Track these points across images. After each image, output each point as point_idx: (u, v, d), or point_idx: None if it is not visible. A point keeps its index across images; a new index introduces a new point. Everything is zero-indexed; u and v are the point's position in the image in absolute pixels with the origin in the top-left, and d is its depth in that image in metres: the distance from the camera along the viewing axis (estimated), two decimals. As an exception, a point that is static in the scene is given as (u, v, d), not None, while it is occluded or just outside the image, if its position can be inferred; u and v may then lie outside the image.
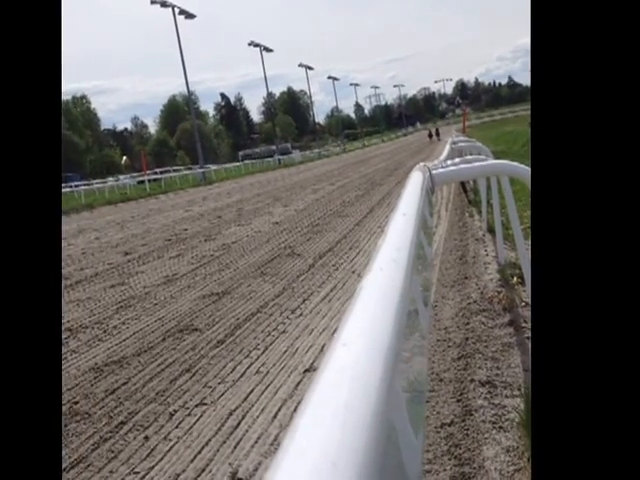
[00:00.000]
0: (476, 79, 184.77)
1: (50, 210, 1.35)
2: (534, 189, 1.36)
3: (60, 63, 1.45)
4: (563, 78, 1.32)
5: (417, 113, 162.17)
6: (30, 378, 1.28)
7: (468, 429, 3.32)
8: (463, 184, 12.79)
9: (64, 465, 3.63)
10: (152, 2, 48.24)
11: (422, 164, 3.65)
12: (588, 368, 1.15)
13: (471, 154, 9.29)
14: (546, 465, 1.15)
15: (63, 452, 3.77)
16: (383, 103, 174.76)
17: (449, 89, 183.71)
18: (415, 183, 2.62)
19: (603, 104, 1.28)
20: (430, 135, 67.30)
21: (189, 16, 52.83)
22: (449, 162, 5.59)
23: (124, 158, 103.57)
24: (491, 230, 7.95)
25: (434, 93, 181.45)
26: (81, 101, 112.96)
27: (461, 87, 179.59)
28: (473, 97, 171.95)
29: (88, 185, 46.35)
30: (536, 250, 1.32)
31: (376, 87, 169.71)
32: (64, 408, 4.39)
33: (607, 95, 1.28)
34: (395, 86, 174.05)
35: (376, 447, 0.51)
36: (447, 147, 9.37)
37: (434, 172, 3.56)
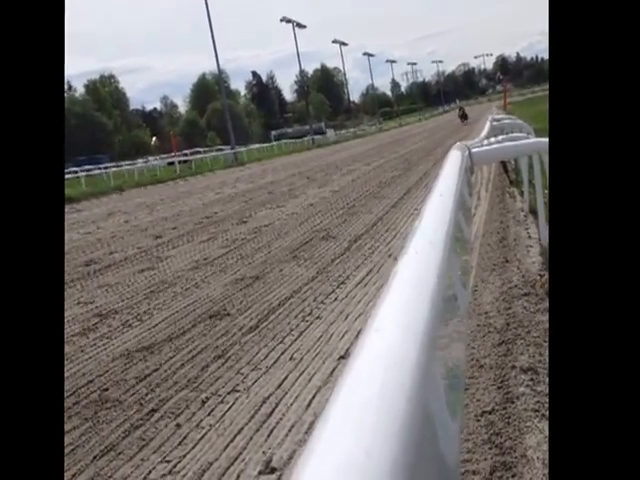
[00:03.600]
0: (517, 54, 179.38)
1: (53, 202, 1.28)
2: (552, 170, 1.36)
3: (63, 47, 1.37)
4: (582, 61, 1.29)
5: (456, 90, 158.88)
6: (32, 376, 1.24)
7: (510, 417, 3.22)
8: (504, 163, 12.45)
9: (95, 453, 3.59)
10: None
11: (461, 143, 3.54)
12: (608, 356, 1.11)
13: (512, 132, 9.06)
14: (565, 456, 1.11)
15: (94, 440, 3.74)
16: (420, 80, 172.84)
17: (489, 65, 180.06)
18: (453, 162, 2.58)
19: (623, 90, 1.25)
20: (462, 116, 55.05)
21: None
22: (485, 142, 5.44)
23: (154, 139, 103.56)
24: (533, 211, 7.74)
25: (474, 69, 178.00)
26: (109, 81, 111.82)
27: (502, 62, 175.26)
28: (514, 73, 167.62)
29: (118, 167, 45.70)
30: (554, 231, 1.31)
31: (413, 63, 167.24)
32: (95, 395, 4.36)
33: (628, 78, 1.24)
34: (433, 62, 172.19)
35: (411, 436, 0.51)
36: (487, 124, 9.18)
37: (473, 151, 3.45)
